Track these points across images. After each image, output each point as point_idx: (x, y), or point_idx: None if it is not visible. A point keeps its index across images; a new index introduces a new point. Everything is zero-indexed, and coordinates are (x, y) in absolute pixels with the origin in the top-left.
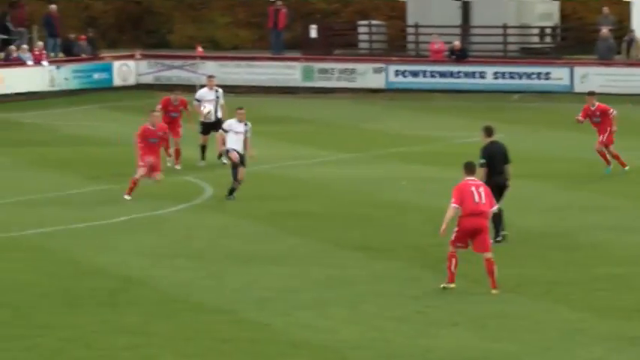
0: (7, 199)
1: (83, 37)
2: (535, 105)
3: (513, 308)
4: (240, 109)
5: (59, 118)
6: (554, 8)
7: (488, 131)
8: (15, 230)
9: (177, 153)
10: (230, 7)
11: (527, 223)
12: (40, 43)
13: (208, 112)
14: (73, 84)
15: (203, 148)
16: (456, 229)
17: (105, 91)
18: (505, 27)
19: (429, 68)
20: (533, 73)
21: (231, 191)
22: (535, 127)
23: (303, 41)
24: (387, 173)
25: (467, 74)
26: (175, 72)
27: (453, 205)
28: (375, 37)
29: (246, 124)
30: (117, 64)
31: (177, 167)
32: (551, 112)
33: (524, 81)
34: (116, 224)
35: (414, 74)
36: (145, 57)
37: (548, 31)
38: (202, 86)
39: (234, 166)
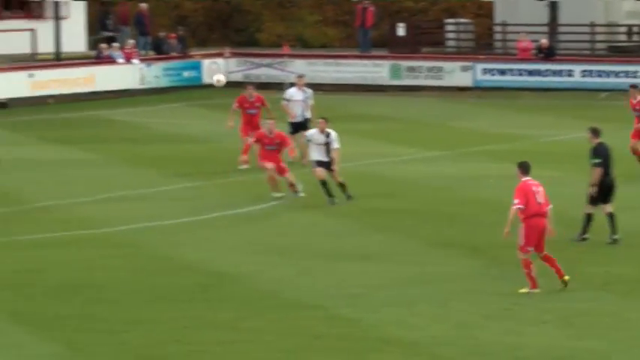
0: (99, 195)
1: (173, 35)
2: (623, 103)
3: (600, 306)
4: (323, 119)
5: (149, 115)
6: None
7: (597, 132)
8: (108, 227)
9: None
10: (318, 5)
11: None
12: (131, 42)
13: (218, 81)
14: (163, 82)
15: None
16: (523, 232)
17: (194, 88)
18: (593, 25)
19: (516, 66)
20: (621, 72)
21: (331, 199)
22: (623, 125)
23: (390, 39)
24: (474, 171)
25: (554, 72)
26: (264, 70)
27: (519, 206)
28: (462, 36)
29: (328, 135)
30: (206, 62)
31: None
32: None
33: (612, 79)
34: (207, 221)
35: (502, 72)
36: (234, 55)
37: (635, 29)
38: (292, 84)
39: (323, 183)
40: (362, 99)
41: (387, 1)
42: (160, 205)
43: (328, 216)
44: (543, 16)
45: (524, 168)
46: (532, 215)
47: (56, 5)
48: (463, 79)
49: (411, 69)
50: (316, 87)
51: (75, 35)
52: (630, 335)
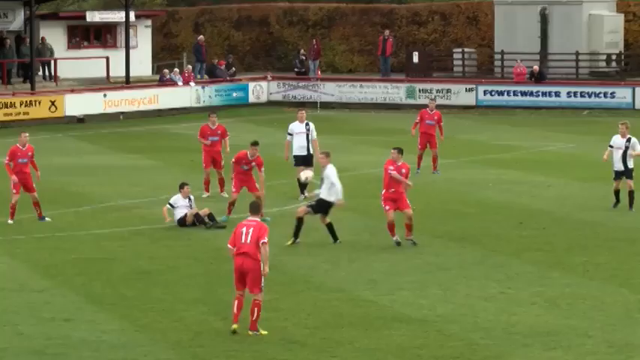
0: (161, 196)
1: (222, 62)
2: (602, 119)
3: (583, 291)
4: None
5: None
6: (619, 37)
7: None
8: (167, 223)
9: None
10: (346, 37)
11: (594, 219)
12: (189, 67)
13: (305, 178)
14: (215, 101)
15: (299, 180)
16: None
17: (241, 107)
18: (577, 54)
19: (512, 88)
20: (600, 93)
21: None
22: (602, 138)
23: (407, 66)
24: (476, 176)
25: (544, 93)
26: (300, 91)
27: (229, 246)
28: (467, 62)
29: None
30: (252, 85)
31: (224, 194)
32: (616, 126)
33: (593, 99)
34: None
35: (500, 93)
36: (275, 79)
37: (613, 57)
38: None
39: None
40: (382, 116)
41: (405, 33)
42: (211, 205)
43: (354, 213)
44: (536, 46)
45: (250, 208)
46: (235, 254)
47: (127, 37)
48: (467, 99)
49: (424, 90)
50: (343, 105)
51: (142, 62)
52: (607, 315)
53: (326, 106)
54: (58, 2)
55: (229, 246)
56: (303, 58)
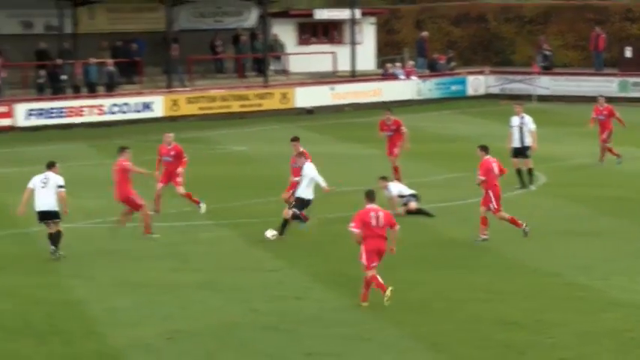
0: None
1: (442, 57)
2: None
3: None
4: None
5: (424, 120)
6: None
7: None
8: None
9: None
10: (561, 32)
11: None
12: (411, 62)
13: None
14: (435, 94)
15: (518, 171)
16: (364, 252)
17: (460, 99)
18: None
19: None
20: None
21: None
22: None
23: (619, 60)
24: None
25: None
26: (516, 85)
27: (354, 229)
28: None
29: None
30: (470, 78)
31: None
32: None
33: None
34: (469, 204)
35: None
36: (492, 72)
37: None
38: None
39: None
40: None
41: (617, 28)
42: (434, 191)
43: (566, 201)
44: None
45: (367, 196)
46: (371, 236)
47: (352, 33)
48: None
49: (637, 84)
50: (558, 99)
51: (366, 57)
52: None
53: (543, 99)
54: (289, 0)
55: (355, 230)
56: (548, 53)
